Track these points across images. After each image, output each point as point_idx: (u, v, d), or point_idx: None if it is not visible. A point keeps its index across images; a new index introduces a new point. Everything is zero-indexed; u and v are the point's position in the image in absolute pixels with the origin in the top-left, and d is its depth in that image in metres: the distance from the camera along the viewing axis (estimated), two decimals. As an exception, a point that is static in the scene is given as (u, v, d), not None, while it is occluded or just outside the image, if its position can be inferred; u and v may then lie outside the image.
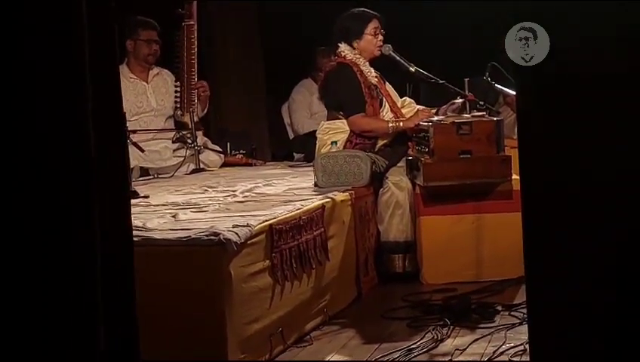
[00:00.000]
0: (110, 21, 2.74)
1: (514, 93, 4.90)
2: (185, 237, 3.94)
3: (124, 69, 7.25)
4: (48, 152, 2.60)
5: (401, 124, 6.00)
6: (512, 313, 4.77)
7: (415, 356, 4.21)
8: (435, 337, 4.41)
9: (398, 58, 6.13)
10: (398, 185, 5.84)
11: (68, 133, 2.61)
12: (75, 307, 2.62)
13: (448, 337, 4.43)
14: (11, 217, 2.57)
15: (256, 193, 5.53)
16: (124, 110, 6.40)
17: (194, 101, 7.26)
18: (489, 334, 4.44)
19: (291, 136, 8.79)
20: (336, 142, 5.97)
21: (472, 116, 5.71)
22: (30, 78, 2.58)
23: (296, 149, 8.46)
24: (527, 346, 3.87)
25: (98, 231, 2.64)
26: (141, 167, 6.90)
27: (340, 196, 5.34)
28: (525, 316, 4.31)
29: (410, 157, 5.88)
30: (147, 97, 7.27)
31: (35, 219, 2.59)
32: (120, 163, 2.83)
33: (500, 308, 4.87)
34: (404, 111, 6.15)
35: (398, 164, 5.99)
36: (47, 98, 2.59)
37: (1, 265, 2.56)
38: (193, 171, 7.11)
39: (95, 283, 2.64)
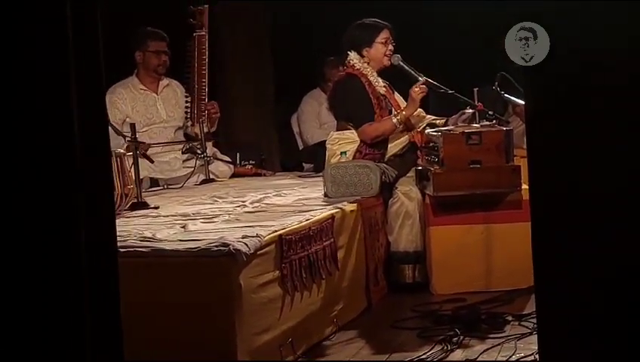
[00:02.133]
0: (96, 34, 2.74)
1: (523, 102, 4.90)
2: (194, 248, 3.94)
3: (134, 81, 7.28)
4: (33, 160, 2.61)
5: (404, 113, 6.01)
6: (522, 323, 4.76)
7: (425, 366, 4.21)
8: (445, 347, 4.41)
9: (407, 68, 6.13)
10: (407, 195, 5.84)
11: (53, 140, 2.62)
12: (63, 317, 2.64)
13: (458, 347, 4.42)
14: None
15: (265, 203, 5.54)
16: (135, 121, 6.48)
17: (204, 112, 7.26)
18: (499, 344, 4.43)
19: (301, 146, 8.79)
20: (345, 153, 5.98)
21: (482, 126, 5.71)
22: (16, 86, 2.59)
23: (306, 159, 8.46)
24: (537, 356, 3.86)
25: (84, 240, 2.64)
26: (151, 178, 6.91)
27: (349, 206, 5.34)
28: (535, 326, 4.30)
29: (420, 167, 5.88)
30: (157, 108, 7.28)
31: (20, 227, 2.60)
32: (104, 175, 2.83)
33: (509, 318, 4.87)
34: (413, 121, 6.14)
35: (408, 174, 5.99)
36: (33, 104, 2.61)
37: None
38: (203, 182, 7.12)
39: (82, 291, 2.65)
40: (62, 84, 2.62)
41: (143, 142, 6.85)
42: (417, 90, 5.94)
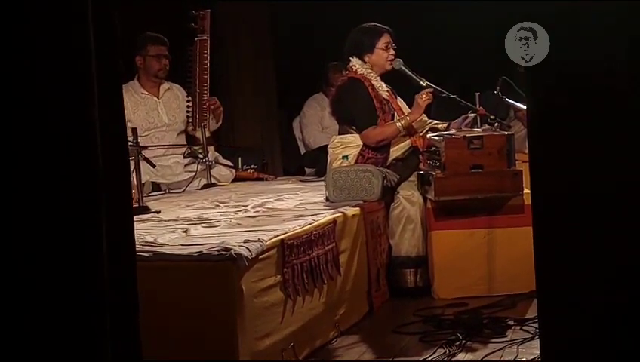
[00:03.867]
0: (115, 35, 2.75)
1: (524, 107, 4.90)
2: (196, 253, 3.94)
3: (135, 85, 7.28)
4: (55, 162, 2.61)
5: (408, 118, 6.01)
6: (524, 327, 4.76)
7: (427, 371, 4.21)
8: (447, 352, 4.41)
9: (408, 72, 6.13)
10: (409, 200, 5.83)
11: (75, 145, 2.62)
12: (84, 322, 2.63)
13: (460, 352, 4.42)
14: (18, 228, 2.58)
15: (267, 208, 5.53)
16: (136, 125, 6.47)
17: (205, 116, 7.27)
18: (501, 349, 4.43)
19: (302, 150, 8.79)
20: (347, 157, 5.97)
21: (483, 130, 5.71)
22: (37, 88, 2.59)
23: (308, 164, 8.46)
24: (539, 361, 3.86)
25: (105, 244, 2.64)
26: (153, 182, 6.91)
27: (351, 211, 5.34)
28: (537, 330, 4.30)
29: (422, 172, 5.88)
30: (158, 113, 7.28)
31: (41, 230, 2.60)
32: (124, 178, 2.84)
33: (511, 322, 4.87)
34: (415, 126, 6.14)
35: (410, 179, 5.99)
36: (55, 108, 2.61)
37: (8, 275, 2.57)
38: (204, 186, 7.12)
39: (103, 294, 2.65)
40: (81, 85, 2.63)
41: (146, 147, 6.87)
42: (424, 97, 5.93)
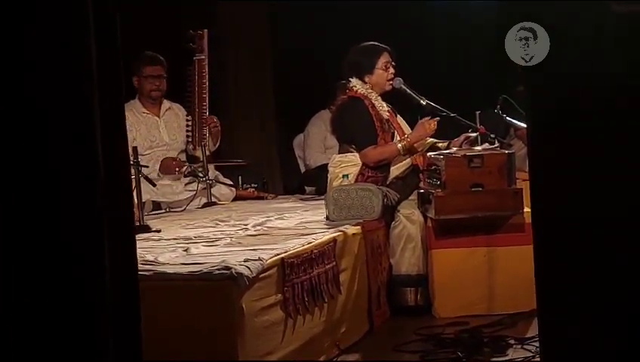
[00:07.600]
0: (117, 59, 2.75)
1: (525, 125, 4.90)
2: (196, 272, 3.94)
3: (136, 104, 7.29)
4: (59, 184, 2.61)
5: (410, 139, 6.00)
6: (525, 346, 4.74)
7: (428, 390, 4.20)
8: (448, 371, 4.40)
9: (409, 91, 6.13)
10: (409, 218, 5.83)
11: (77, 166, 2.62)
12: (86, 343, 2.63)
13: (461, 371, 4.42)
14: (22, 249, 2.58)
15: (267, 227, 5.53)
16: (137, 144, 6.47)
17: (205, 135, 7.28)
18: (502, 368, 4.43)
19: (303, 169, 8.78)
20: (347, 176, 5.97)
21: (484, 149, 5.71)
22: (39, 112, 2.60)
23: (308, 182, 8.45)
24: (540, 380, 3.85)
25: (108, 265, 2.64)
26: (153, 201, 6.92)
27: (351, 229, 5.33)
28: (538, 349, 4.29)
29: (422, 190, 5.87)
30: (159, 132, 7.30)
31: (45, 251, 2.60)
32: (126, 200, 2.83)
33: (512, 341, 4.85)
34: (416, 145, 6.14)
35: (410, 197, 5.99)
36: (57, 131, 2.61)
37: (12, 294, 2.57)
38: (205, 205, 7.12)
39: (104, 315, 2.65)
40: (83, 109, 2.63)
41: (146, 165, 6.88)
42: (432, 125, 5.93)
